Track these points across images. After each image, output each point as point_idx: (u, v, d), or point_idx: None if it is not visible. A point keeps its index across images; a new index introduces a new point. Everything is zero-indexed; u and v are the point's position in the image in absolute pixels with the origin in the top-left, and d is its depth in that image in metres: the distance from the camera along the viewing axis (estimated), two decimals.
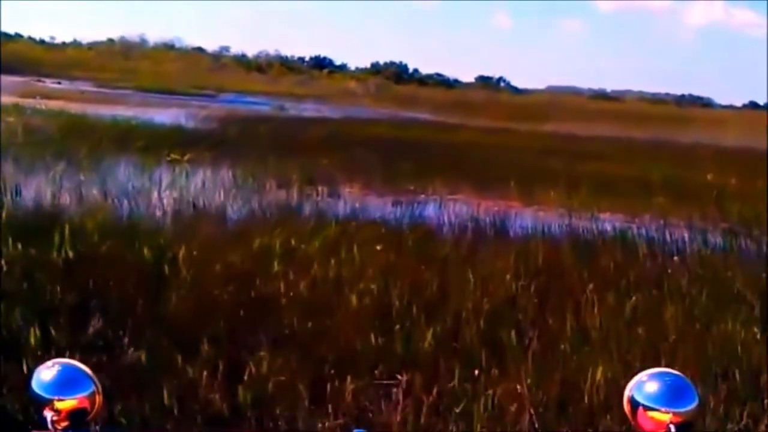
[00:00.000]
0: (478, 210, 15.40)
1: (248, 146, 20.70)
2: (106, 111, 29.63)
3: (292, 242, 10.33)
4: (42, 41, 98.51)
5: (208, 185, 15.66)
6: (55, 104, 31.21)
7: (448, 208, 15.76)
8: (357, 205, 15.19)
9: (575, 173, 20.62)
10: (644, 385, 1.99)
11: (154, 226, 11.23)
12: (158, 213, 12.37)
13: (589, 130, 43.06)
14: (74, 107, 30.69)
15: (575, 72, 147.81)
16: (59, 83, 48.66)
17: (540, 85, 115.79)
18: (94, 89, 47.29)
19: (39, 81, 48.66)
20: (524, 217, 15.36)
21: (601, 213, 16.28)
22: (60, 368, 1.91)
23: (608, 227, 14.16)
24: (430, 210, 15.56)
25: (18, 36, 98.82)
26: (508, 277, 9.47)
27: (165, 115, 31.24)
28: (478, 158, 22.43)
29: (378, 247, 10.75)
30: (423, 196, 16.86)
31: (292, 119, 33.31)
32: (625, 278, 9.72)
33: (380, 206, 15.47)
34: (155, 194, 13.84)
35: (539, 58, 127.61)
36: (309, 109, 46.94)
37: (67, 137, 20.41)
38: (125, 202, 13.01)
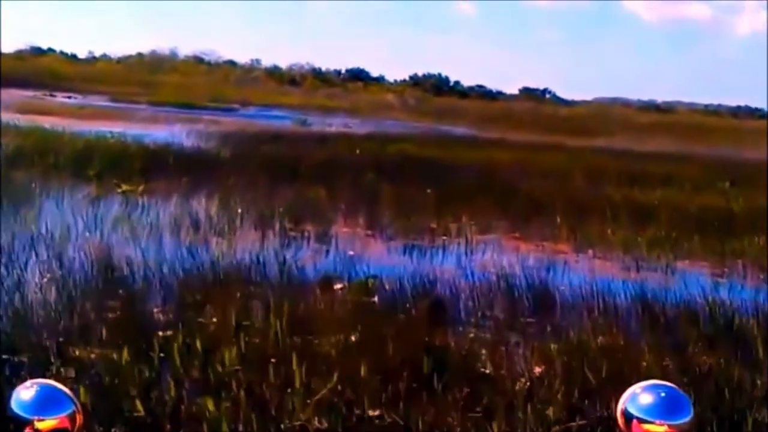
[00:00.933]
0: (515, 258, 11.54)
1: (240, 170, 16.96)
2: (96, 128, 26.16)
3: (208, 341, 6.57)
4: (74, 56, 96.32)
5: (158, 225, 11.87)
6: (44, 120, 27.82)
7: (476, 257, 11.89)
8: (351, 252, 11.36)
9: (637, 202, 16.56)
10: (638, 397, 1.98)
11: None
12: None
13: (644, 144, 38.73)
14: (63, 123, 27.26)
15: (622, 83, 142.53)
16: (69, 98, 45.61)
17: (587, 96, 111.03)
18: (107, 104, 44.15)
19: (50, 95, 45.70)
20: (576, 270, 11.36)
21: (679, 261, 12.34)
22: (39, 388, 1.92)
23: (692, 287, 10.17)
24: (451, 260, 11.65)
25: (51, 51, 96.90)
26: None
27: (164, 131, 27.70)
28: (518, 182, 18.40)
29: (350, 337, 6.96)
30: (445, 238, 12.93)
31: (310, 135, 29.57)
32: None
33: (383, 255, 11.62)
34: (69, 240, 10.14)
35: (585, 69, 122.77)
36: (335, 124, 43.21)
37: (17, 158, 16.85)
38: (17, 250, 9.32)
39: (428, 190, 15.89)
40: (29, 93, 44.42)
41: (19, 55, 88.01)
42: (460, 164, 21.63)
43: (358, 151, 21.76)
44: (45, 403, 1.92)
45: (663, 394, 2.01)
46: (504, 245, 12.67)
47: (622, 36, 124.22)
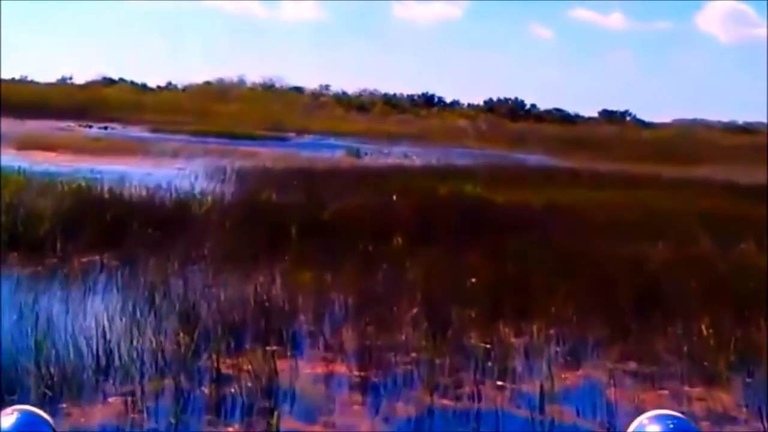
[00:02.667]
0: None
1: (200, 239, 11.41)
2: (92, 165, 21.10)
3: None
4: (144, 85, 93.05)
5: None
6: (38, 155, 22.92)
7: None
8: None
9: None
10: (645, 428, 1.82)
11: None
12: None
13: (750, 174, 31.95)
14: (59, 159, 22.31)
15: (700, 103, 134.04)
16: (106, 128, 41.04)
17: (665, 118, 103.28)
18: (142, 134, 39.52)
19: (86, 126, 41.23)
20: None
21: None
22: (19, 415, 1.80)
23: None
24: None
25: (122, 81, 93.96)
26: None
27: (174, 169, 22.51)
28: (621, 248, 12.28)
29: None
30: (500, 383, 7.03)
31: (352, 170, 23.91)
32: None
33: None
34: None
35: (662, 91, 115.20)
36: (394, 153, 37.58)
37: None
38: None
39: (473, 278, 9.94)
40: (62, 124, 40.13)
41: (87, 85, 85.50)
42: (531, 213, 15.67)
43: (394, 197, 15.94)
44: (24, 430, 1.76)
45: (671, 425, 1.79)
46: (619, 395, 6.74)
47: (697, 56, 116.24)
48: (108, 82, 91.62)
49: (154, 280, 9.25)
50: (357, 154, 33.52)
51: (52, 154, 23.83)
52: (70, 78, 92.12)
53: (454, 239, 12.18)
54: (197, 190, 15.82)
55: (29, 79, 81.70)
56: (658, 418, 1.82)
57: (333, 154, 33.44)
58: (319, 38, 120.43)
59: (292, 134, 48.80)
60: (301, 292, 9.29)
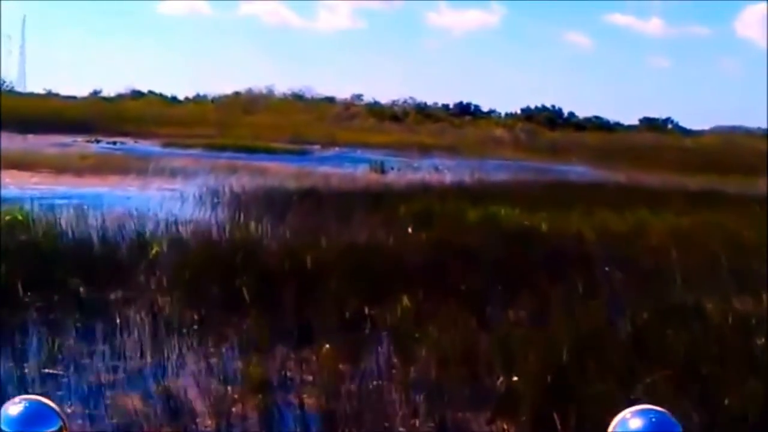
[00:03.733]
0: None
1: (170, 285, 8.09)
2: (76, 188, 17.93)
3: None
4: (174, 98, 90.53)
5: None
6: (14, 177, 19.78)
7: None
8: None
9: None
10: (628, 422, 1.92)
11: None
12: None
13: None
14: (33, 180, 19.14)
15: (739, 110, 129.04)
16: (114, 143, 37.91)
17: (704, 125, 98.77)
18: (156, 149, 36.39)
19: (94, 141, 38.14)
20: None
21: None
22: (27, 404, 1.88)
23: None
24: None
25: (151, 93, 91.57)
26: None
27: (160, 190, 19.24)
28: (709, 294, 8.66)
29: None
30: None
31: (370, 189, 20.38)
32: None
33: None
34: None
35: (700, 97, 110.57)
36: (425, 166, 34.04)
37: None
38: None
39: (505, 378, 6.39)
40: (67, 139, 37.15)
41: (114, 99, 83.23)
42: (578, 245, 12.07)
43: (410, 230, 12.42)
44: (32, 419, 1.84)
45: (653, 419, 1.88)
46: None
47: (735, 61, 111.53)
48: (137, 94, 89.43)
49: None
50: (381, 168, 29.99)
51: (27, 174, 20.70)
52: (100, 91, 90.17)
53: (486, 295, 8.66)
54: (162, 223, 12.37)
55: (54, 92, 79.77)
56: (641, 413, 1.88)
57: (355, 169, 29.99)
58: (353, 47, 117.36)
59: (317, 147, 45.45)
60: (241, 400, 5.83)
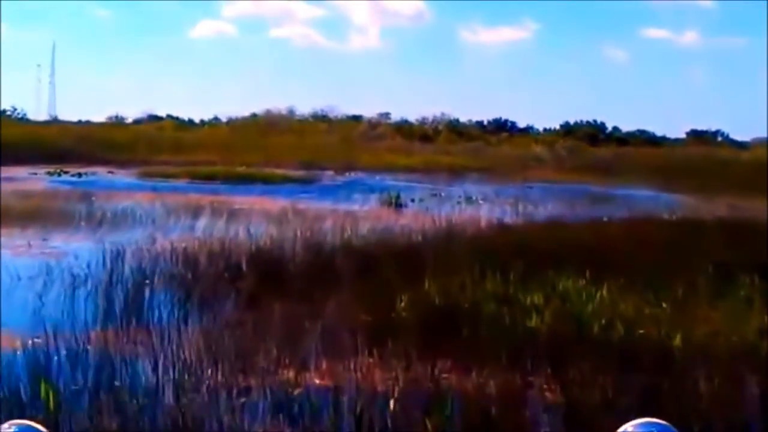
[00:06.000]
0: None
1: None
2: None
3: None
4: (191, 121, 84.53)
5: None
6: None
7: None
8: None
9: None
10: None
11: None
12: None
13: None
14: None
15: None
16: (80, 175, 31.02)
17: (745, 136, 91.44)
18: (131, 180, 29.83)
19: (56, 173, 31.44)
20: None
21: None
22: (18, 429, 1.81)
23: None
24: None
25: (170, 117, 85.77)
26: None
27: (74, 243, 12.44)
28: None
29: None
30: None
31: (364, 245, 13.24)
32: None
33: None
34: None
35: (742, 108, 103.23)
36: (454, 194, 27.01)
37: None
38: None
39: None
40: (29, 171, 30.72)
41: (124, 123, 77.98)
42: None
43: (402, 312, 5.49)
44: None
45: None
46: None
47: None
48: (154, 119, 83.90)
49: None
50: (397, 201, 22.92)
51: None
52: (118, 116, 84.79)
53: None
54: None
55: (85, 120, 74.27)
56: (643, 426, 1.84)
57: (364, 203, 22.98)
58: (382, 67, 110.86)
59: (330, 172, 38.62)
60: None
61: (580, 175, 42.28)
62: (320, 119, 73.80)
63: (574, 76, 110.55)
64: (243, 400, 5.64)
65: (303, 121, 71.31)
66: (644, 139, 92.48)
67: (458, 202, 24.57)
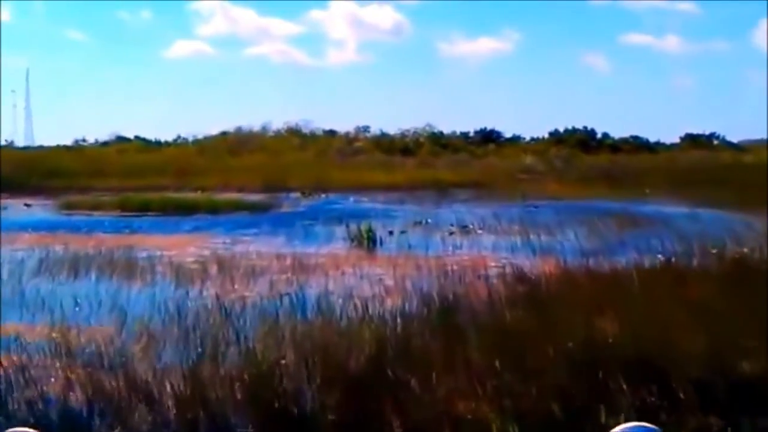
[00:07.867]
0: None
1: None
2: None
3: None
4: (158, 142, 78.48)
5: None
6: None
7: None
8: None
9: None
10: None
11: None
12: None
13: None
14: None
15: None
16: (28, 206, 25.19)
17: (735, 138, 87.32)
18: (46, 216, 23.89)
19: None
20: None
21: None
22: None
23: None
24: None
25: (137, 138, 79.79)
26: None
27: None
28: None
29: None
30: None
31: (306, 333, 7.45)
32: None
33: None
34: None
35: (731, 111, 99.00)
36: (443, 222, 21.03)
37: None
38: None
39: None
40: None
41: (97, 145, 72.16)
42: None
43: None
44: None
45: None
46: None
47: (758, 73, 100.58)
48: (121, 140, 77.99)
49: None
50: (368, 238, 16.81)
51: None
52: (83, 139, 78.84)
53: None
54: None
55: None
56: (633, 429, 2.03)
57: (329, 240, 16.95)
58: (360, 81, 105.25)
59: (295, 194, 32.61)
60: None
61: (583, 188, 36.52)
62: (294, 134, 67.74)
63: (558, 85, 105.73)
64: None
65: (276, 137, 65.25)
66: (637, 144, 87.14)
67: (450, 233, 18.61)
